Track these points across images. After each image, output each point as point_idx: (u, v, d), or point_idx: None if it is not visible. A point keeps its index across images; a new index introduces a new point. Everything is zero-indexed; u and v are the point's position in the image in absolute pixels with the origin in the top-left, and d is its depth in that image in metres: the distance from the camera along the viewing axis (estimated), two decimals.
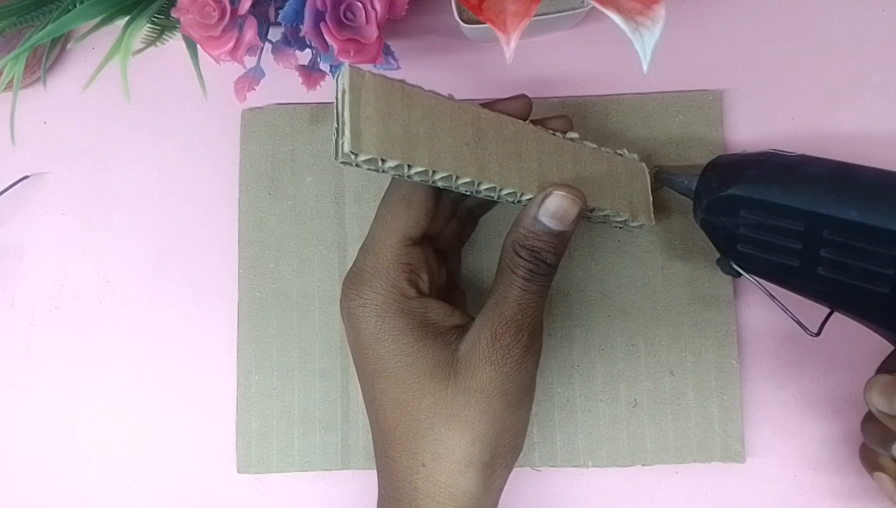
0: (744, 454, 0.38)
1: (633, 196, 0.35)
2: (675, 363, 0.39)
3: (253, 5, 0.32)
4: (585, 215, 0.33)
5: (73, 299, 0.41)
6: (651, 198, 0.36)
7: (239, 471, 0.39)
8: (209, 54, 0.33)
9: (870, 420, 0.34)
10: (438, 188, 0.31)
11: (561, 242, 0.31)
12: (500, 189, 0.30)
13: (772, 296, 0.34)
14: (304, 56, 0.36)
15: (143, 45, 0.36)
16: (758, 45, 0.41)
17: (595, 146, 0.35)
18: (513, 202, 0.31)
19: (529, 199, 0.31)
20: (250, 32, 0.33)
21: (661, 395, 0.39)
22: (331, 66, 0.35)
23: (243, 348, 0.40)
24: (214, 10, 0.32)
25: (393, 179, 0.33)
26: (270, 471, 0.39)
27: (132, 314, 0.41)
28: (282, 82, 0.37)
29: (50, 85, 0.42)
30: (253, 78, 0.36)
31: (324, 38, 0.32)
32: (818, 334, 0.33)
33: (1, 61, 0.34)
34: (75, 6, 0.33)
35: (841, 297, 0.31)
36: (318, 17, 0.32)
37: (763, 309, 0.40)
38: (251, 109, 0.41)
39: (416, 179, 0.29)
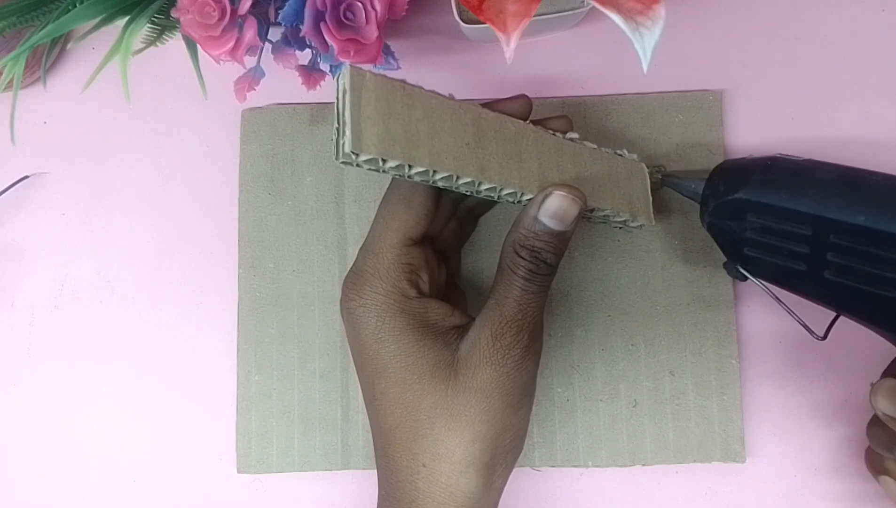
0: (744, 454, 0.38)
1: (633, 196, 0.35)
2: (675, 363, 0.39)
3: (253, 5, 0.32)
4: (585, 216, 0.33)
5: (73, 299, 0.41)
6: (651, 198, 0.36)
7: (239, 471, 0.39)
8: (209, 54, 0.33)
9: (875, 424, 0.34)
10: (439, 188, 0.31)
11: (561, 242, 0.31)
12: (501, 189, 0.30)
13: (778, 300, 0.34)
14: (304, 56, 0.36)
15: (143, 45, 0.36)
16: (758, 45, 0.41)
17: (595, 146, 0.35)
18: (513, 202, 0.31)
19: (529, 199, 0.31)
20: (250, 32, 0.33)
21: (661, 395, 0.39)
22: (331, 66, 0.35)
23: (243, 348, 0.40)
24: (214, 10, 0.32)
25: (393, 179, 0.33)
26: (270, 471, 0.39)
27: (132, 314, 0.41)
28: (282, 82, 0.37)
29: (50, 85, 0.42)
30: (253, 78, 0.36)
31: (324, 38, 0.32)
32: (824, 337, 0.33)
33: (1, 61, 0.34)
34: (75, 6, 0.33)
35: (847, 301, 0.31)
36: (318, 17, 0.32)
37: (763, 309, 0.40)
38: (251, 109, 0.41)
39: (417, 179, 0.29)
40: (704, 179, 0.35)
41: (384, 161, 0.27)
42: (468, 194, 0.31)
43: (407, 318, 0.31)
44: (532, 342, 0.31)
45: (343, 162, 0.28)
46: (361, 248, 0.33)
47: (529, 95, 0.34)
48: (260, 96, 0.39)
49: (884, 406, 0.30)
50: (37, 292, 0.41)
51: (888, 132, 0.40)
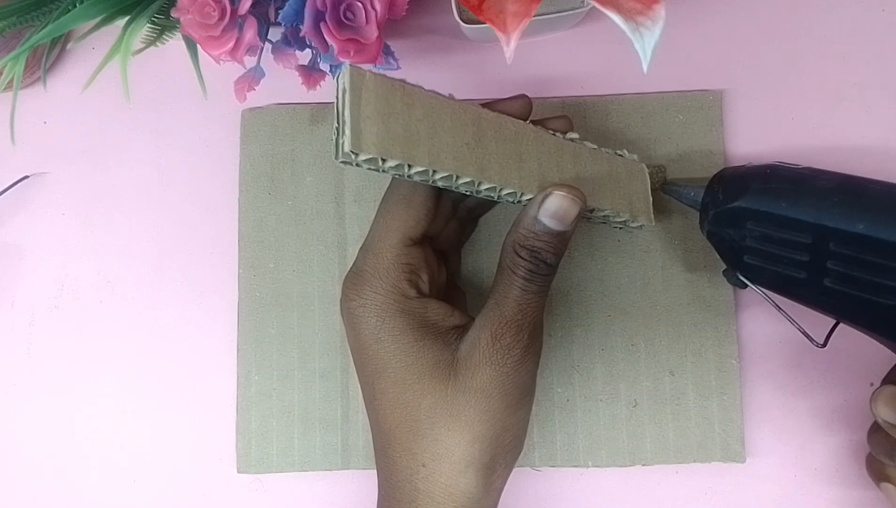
0: (744, 454, 0.38)
1: (633, 197, 0.35)
2: (675, 363, 0.39)
3: (253, 5, 0.32)
4: (585, 216, 0.33)
5: (73, 299, 0.41)
6: (651, 198, 0.36)
7: (239, 471, 0.39)
8: (209, 54, 0.33)
9: (876, 431, 0.34)
10: (438, 188, 0.31)
11: (561, 242, 0.31)
12: (500, 189, 0.30)
13: (778, 307, 0.34)
14: (304, 56, 0.36)
15: (143, 45, 0.36)
16: (758, 45, 0.41)
17: (595, 147, 0.35)
18: (513, 202, 0.31)
19: (529, 199, 0.31)
20: (250, 32, 0.33)
21: (661, 395, 0.39)
22: (331, 66, 0.35)
23: (243, 348, 0.40)
24: (214, 10, 0.32)
25: (393, 179, 0.33)
26: (270, 471, 0.39)
27: (132, 314, 0.41)
28: (282, 82, 0.37)
29: (50, 85, 0.42)
30: (253, 78, 0.36)
31: (324, 38, 0.32)
32: (824, 345, 0.33)
33: (1, 61, 0.34)
34: (75, 6, 0.33)
35: (847, 309, 0.31)
36: (318, 17, 0.32)
37: (763, 310, 0.40)
38: (251, 109, 0.41)
39: (417, 178, 0.29)
40: (703, 187, 0.35)
41: (384, 161, 0.27)
42: (468, 193, 0.31)
43: (406, 318, 0.31)
44: (532, 342, 0.31)
45: (343, 162, 0.28)
46: (361, 248, 0.33)
47: (529, 95, 0.34)
48: (260, 96, 0.39)
49: (884, 414, 0.30)
50: (37, 292, 0.41)
51: (888, 132, 0.40)
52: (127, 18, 0.34)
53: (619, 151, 0.36)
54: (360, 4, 0.32)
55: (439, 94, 0.31)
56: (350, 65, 0.28)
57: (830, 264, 0.30)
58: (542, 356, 0.32)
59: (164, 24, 0.36)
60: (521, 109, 0.33)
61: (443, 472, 0.30)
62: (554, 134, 0.34)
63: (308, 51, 0.35)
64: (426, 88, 0.30)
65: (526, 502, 0.39)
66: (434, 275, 0.34)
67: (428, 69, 0.42)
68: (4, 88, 0.35)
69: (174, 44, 0.37)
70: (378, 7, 0.32)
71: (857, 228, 0.29)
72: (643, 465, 0.39)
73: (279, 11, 0.32)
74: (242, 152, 0.41)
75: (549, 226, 0.30)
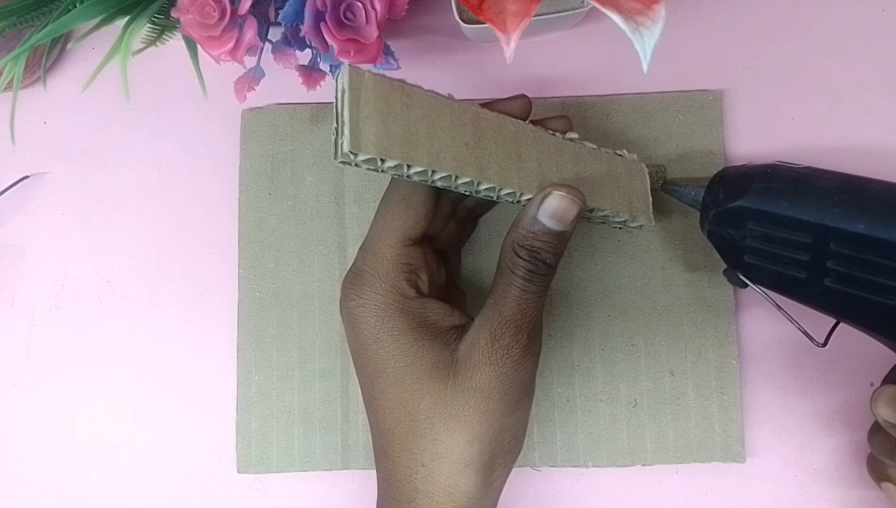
0: (744, 454, 0.38)
1: (633, 196, 0.35)
2: (675, 364, 0.39)
3: (253, 5, 0.32)
4: (585, 216, 0.33)
5: (73, 299, 0.41)
6: (651, 198, 0.36)
7: (239, 471, 0.39)
8: (209, 54, 0.33)
9: (877, 431, 0.34)
10: (438, 188, 0.30)
11: (560, 242, 0.31)
12: (500, 189, 0.30)
13: (778, 307, 0.34)
14: (304, 56, 0.36)
15: (143, 45, 0.36)
16: (758, 45, 0.41)
17: (595, 146, 0.35)
18: (512, 202, 0.31)
19: (529, 199, 0.31)
20: (250, 32, 0.33)
21: (661, 395, 0.39)
22: (331, 66, 0.35)
23: (243, 348, 0.40)
24: (214, 10, 0.32)
25: (392, 179, 0.33)
26: (270, 471, 0.39)
27: (132, 314, 0.41)
28: (282, 82, 0.37)
29: (50, 85, 0.42)
30: (253, 78, 0.36)
31: (324, 38, 0.32)
32: (825, 344, 0.33)
33: (1, 61, 0.34)
34: (75, 6, 0.33)
35: (848, 308, 0.31)
36: (318, 17, 0.32)
37: (763, 310, 0.40)
38: (251, 109, 0.41)
39: (416, 178, 0.29)
40: (704, 186, 0.35)
41: (383, 161, 0.27)
42: (467, 193, 0.31)
43: (406, 318, 0.31)
44: (531, 342, 0.31)
45: (342, 162, 0.28)
46: (361, 248, 0.33)
47: (529, 95, 0.34)
48: (260, 96, 0.39)
49: (885, 414, 0.30)
50: (37, 292, 0.41)
51: (888, 132, 0.40)
52: (127, 18, 0.34)
53: (618, 151, 0.36)
54: (360, 4, 0.32)
55: (439, 94, 0.31)
56: (349, 65, 0.28)
57: (831, 263, 0.30)
58: (542, 356, 0.32)
59: (164, 24, 0.36)
60: (520, 109, 0.33)
61: (442, 472, 0.30)
62: (553, 134, 0.33)
63: (308, 51, 0.35)
64: (426, 88, 0.30)
65: (526, 502, 0.39)
66: (433, 275, 0.34)
67: (428, 69, 0.42)
68: (4, 88, 0.35)
69: (174, 44, 0.37)
70: (378, 7, 0.32)
71: (858, 227, 0.29)
72: (643, 465, 0.39)
73: (279, 11, 0.32)
74: (242, 152, 0.41)
75: (548, 226, 0.30)
